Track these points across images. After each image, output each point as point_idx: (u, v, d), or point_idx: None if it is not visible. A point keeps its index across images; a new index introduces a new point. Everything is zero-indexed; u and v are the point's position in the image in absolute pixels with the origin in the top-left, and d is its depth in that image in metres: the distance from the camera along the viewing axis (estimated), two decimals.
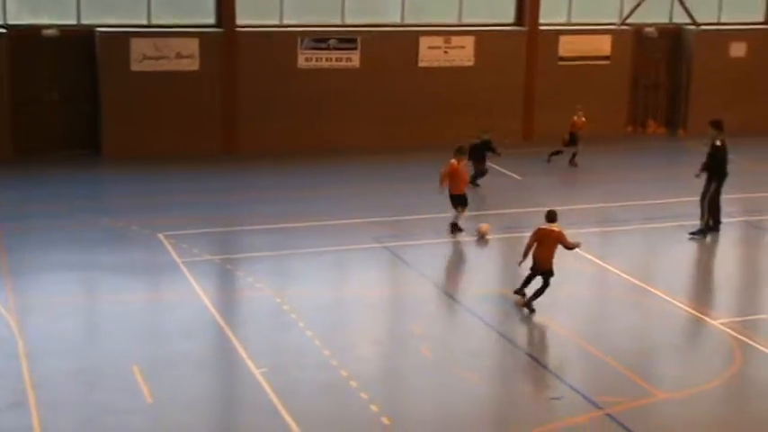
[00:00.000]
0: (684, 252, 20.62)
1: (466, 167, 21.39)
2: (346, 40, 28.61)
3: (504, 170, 26.11)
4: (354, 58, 28.69)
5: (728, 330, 16.15)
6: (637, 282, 18.34)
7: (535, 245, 16.67)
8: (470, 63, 29.77)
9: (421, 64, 29.39)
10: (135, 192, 23.78)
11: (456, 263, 19.81)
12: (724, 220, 21.61)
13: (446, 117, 29.45)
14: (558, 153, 27.10)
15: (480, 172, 24.38)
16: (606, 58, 31.06)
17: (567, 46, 30.63)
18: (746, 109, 31.60)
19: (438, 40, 29.48)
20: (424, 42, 29.34)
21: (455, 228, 20.58)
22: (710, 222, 21.28)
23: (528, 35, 30.15)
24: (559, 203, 22.33)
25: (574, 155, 26.99)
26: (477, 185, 24.08)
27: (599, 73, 30.82)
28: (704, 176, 21.31)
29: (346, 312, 17.01)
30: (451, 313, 17.05)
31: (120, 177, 25.19)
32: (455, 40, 29.58)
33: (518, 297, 16.90)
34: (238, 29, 27.68)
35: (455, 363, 14.82)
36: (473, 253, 19.96)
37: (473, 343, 15.74)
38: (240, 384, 14.20)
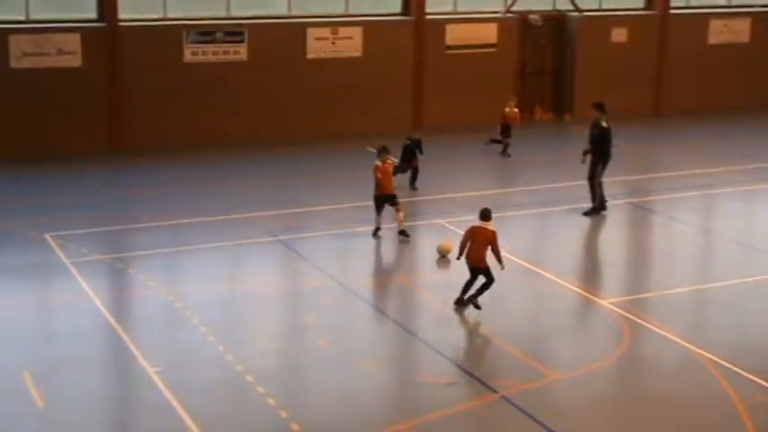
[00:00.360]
0: (574, 235, 21.04)
1: (391, 166, 20.58)
2: (233, 32, 28.34)
3: (394, 159, 26.19)
4: (242, 51, 28.44)
5: (617, 310, 16.53)
6: (529, 265, 18.62)
7: (469, 243, 16.22)
8: (359, 54, 29.81)
9: (309, 55, 29.30)
10: (20, 192, 23.14)
11: (351, 253, 19.80)
12: (610, 201, 22.17)
13: (336, 108, 29.50)
14: (495, 141, 27.33)
15: (414, 171, 23.63)
16: (492, 45, 31.46)
17: (454, 35, 30.92)
18: (629, 93, 32.47)
19: (325, 32, 29.43)
20: (312, 34, 29.26)
21: (404, 233, 19.87)
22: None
23: (415, 24, 30.32)
24: (451, 191, 22.66)
25: (505, 147, 27.19)
26: (415, 188, 23.46)
27: (486, 61, 31.20)
28: (589, 158, 21.87)
29: (241, 307, 16.87)
30: (348, 304, 17.03)
31: (3, 178, 24.45)
32: (343, 31, 29.58)
33: (456, 306, 16.31)
34: (121, 23, 27.16)
35: (352, 353, 14.85)
36: (367, 243, 19.98)
37: (370, 332, 15.80)
38: (134, 384, 13.93)
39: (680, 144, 29.70)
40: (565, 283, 17.75)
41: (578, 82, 32.40)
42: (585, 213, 21.72)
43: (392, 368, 14.80)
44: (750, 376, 14.06)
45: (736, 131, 31.19)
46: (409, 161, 23.58)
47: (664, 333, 15.61)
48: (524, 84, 32.35)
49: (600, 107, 21.97)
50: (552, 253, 19.92)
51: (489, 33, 31.40)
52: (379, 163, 19.95)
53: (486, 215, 16.22)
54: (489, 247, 16.08)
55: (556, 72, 32.94)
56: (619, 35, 33.05)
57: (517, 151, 27.34)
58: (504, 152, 27.24)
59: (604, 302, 16.91)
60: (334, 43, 29.53)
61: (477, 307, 16.17)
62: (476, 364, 14.55)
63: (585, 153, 21.87)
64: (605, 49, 32.64)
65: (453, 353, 14.88)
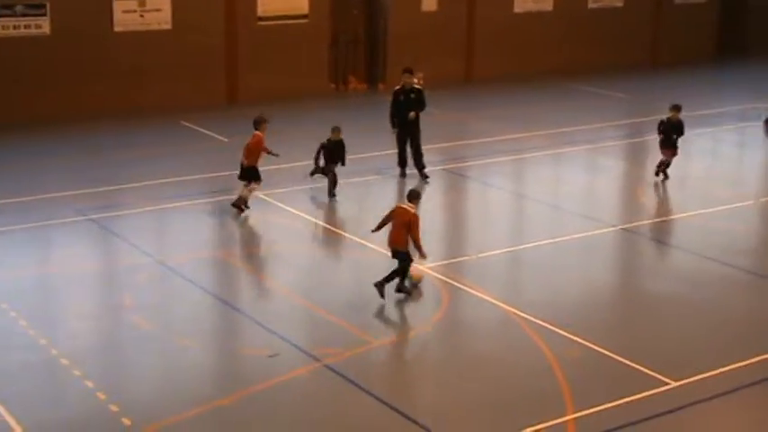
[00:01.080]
0: (390, 202, 21.19)
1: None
2: (34, 5, 27.21)
3: (209, 132, 25.90)
4: (44, 25, 27.35)
5: (435, 274, 16.82)
6: (348, 235, 18.72)
7: (390, 223, 15.74)
8: (168, 26, 29.16)
9: (117, 29, 28.47)
10: None
11: (166, 230, 19.42)
12: (426, 168, 22.57)
13: (147, 83, 28.82)
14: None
15: (333, 178, 21.12)
16: (304, 16, 31.36)
17: (265, 6, 30.63)
18: (440, 61, 33.01)
19: (132, 4, 28.62)
20: (118, 6, 28.41)
21: (242, 204, 19.39)
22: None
23: None
24: (265, 164, 22.43)
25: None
26: (334, 195, 21.08)
27: (299, 31, 31.10)
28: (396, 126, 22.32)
29: (52, 290, 16.31)
30: (165, 281, 16.70)
31: None
32: (150, 3, 28.83)
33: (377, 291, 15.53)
34: None
35: (171, 330, 14.59)
36: (182, 218, 19.63)
37: (189, 308, 15.53)
38: None
39: (490, 111, 30.45)
40: (382, 251, 17.89)
41: (390, 51, 32.71)
42: (426, 180, 22.11)
43: (213, 343, 14.65)
44: (561, 332, 14.59)
45: (542, 97, 32.21)
46: (332, 163, 21.25)
47: (480, 295, 16.00)
48: (338, 54, 32.43)
49: (410, 72, 22.42)
50: (370, 221, 19.99)
51: (301, 4, 31.28)
52: (259, 133, 19.54)
53: (411, 195, 15.66)
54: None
55: (369, 42, 33.16)
56: (429, 4, 33.55)
57: (331, 122, 27.33)
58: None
59: (422, 267, 17.16)
60: (142, 16, 28.77)
61: (408, 293, 15.71)
62: (298, 335, 14.53)
63: (393, 124, 22.28)
64: (416, 18, 33.09)
65: (275, 325, 14.82)
